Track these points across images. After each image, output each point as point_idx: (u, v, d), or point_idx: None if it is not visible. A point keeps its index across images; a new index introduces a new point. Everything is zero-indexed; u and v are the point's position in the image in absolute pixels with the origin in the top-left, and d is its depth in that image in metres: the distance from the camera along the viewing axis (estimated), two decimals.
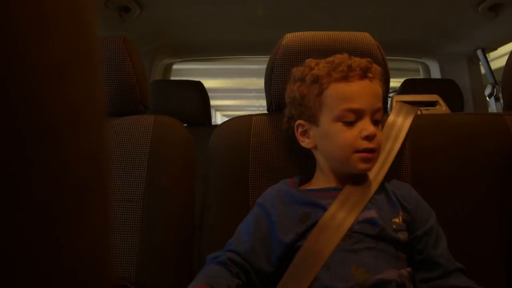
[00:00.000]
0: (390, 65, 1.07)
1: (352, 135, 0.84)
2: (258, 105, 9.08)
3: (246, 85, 6.23)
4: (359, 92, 0.84)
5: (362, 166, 0.85)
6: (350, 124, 0.84)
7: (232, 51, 2.40)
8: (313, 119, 0.89)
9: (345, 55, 0.89)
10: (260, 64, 3.82)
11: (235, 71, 4.80)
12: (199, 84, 2.18)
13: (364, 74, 0.85)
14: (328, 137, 0.87)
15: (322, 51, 0.98)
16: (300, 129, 0.93)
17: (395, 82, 2.83)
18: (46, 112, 0.18)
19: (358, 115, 0.84)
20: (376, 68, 0.88)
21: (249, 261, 0.83)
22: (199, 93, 2.15)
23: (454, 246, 0.87)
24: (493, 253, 0.96)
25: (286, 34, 1.04)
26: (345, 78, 0.84)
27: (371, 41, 1.03)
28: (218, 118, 8.06)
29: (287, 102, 0.95)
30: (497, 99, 2.28)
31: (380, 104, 0.87)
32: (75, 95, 0.20)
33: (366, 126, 0.84)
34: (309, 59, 0.92)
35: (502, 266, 0.93)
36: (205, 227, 1.00)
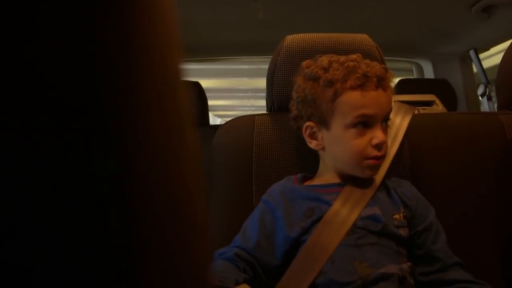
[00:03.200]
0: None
1: (363, 143, 0.85)
2: (249, 105, 9.07)
3: (238, 85, 6.23)
4: (373, 102, 0.84)
5: (368, 172, 0.88)
6: (362, 131, 0.85)
7: (228, 52, 2.42)
8: (324, 122, 0.88)
9: (359, 57, 0.89)
10: (252, 65, 3.84)
11: (227, 71, 4.79)
12: (197, 84, 2.19)
13: (379, 83, 0.85)
14: (339, 142, 0.88)
15: (323, 52, 0.99)
16: (308, 131, 0.92)
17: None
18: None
19: (371, 122, 0.85)
20: (390, 74, 0.89)
21: (255, 256, 0.85)
22: (197, 94, 2.16)
23: (453, 242, 0.89)
24: (489, 248, 0.98)
25: (287, 36, 1.06)
26: (361, 86, 0.84)
27: (370, 42, 1.05)
28: (211, 118, 8.04)
29: (295, 99, 0.94)
30: (489, 99, 2.32)
31: (390, 108, 0.88)
32: (184, 106, 0.22)
33: (377, 134, 0.85)
34: (321, 57, 0.91)
35: (498, 262, 0.96)
36: (211, 224, 1.02)
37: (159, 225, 0.20)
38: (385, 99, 0.86)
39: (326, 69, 0.87)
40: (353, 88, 0.83)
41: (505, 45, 2.10)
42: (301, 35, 1.06)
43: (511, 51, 1.13)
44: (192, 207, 0.22)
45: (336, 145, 0.89)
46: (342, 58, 0.88)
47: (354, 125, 0.84)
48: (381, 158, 0.87)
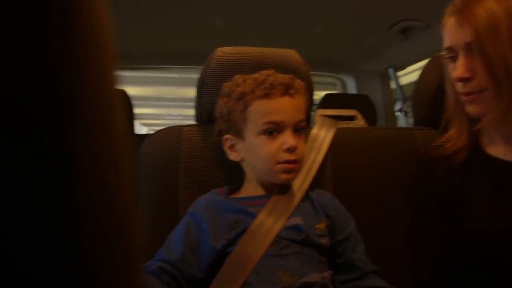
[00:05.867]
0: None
1: (274, 148, 0.88)
2: (177, 114, 8.97)
3: (165, 94, 6.15)
4: (280, 107, 0.89)
5: (284, 176, 0.90)
6: (272, 137, 0.89)
7: (158, 61, 2.38)
8: (239, 134, 0.92)
9: (271, 71, 0.94)
10: (181, 73, 3.80)
11: (154, 79, 4.71)
12: (122, 92, 2.13)
13: (285, 91, 0.90)
14: (253, 150, 0.91)
15: (252, 66, 1.01)
16: (228, 143, 0.96)
17: (314, 95, 2.94)
18: None
19: (279, 128, 0.89)
20: (298, 83, 0.93)
21: (179, 269, 0.84)
22: (123, 102, 2.10)
23: (370, 250, 0.94)
24: (402, 256, 1.04)
25: (218, 48, 1.06)
26: (267, 95, 0.88)
27: (298, 58, 1.08)
28: (136, 127, 7.85)
29: (216, 117, 0.98)
30: (406, 114, 2.48)
31: (302, 116, 0.92)
32: None
33: (287, 139, 0.88)
34: (238, 75, 0.95)
35: (410, 270, 1.02)
36: (136, 237, 0.99)
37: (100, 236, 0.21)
38: (292, 105, 0.90)
39: (239, 85, 0.92)
40: (260, 97, 0.88)
41: (420, 64, 2.26)
42: (231, 48, 1.07)
43: (427, 72, 1.21)
44: (129, 218, 0.24)
45: (251, 154, 0.92)
46: (257, 74, 0.93)
47: (263, 132, 0.88)
48: (295, 162, 0.89)
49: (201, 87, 1.05)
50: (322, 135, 1.10)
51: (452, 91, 0.96)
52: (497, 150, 0.93)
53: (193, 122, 1.13)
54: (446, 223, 0.93)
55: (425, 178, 0.98)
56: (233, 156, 0.96)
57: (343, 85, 2.73)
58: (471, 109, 0.90)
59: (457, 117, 0.98)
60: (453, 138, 0.98)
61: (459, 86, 0.90)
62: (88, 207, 0.21)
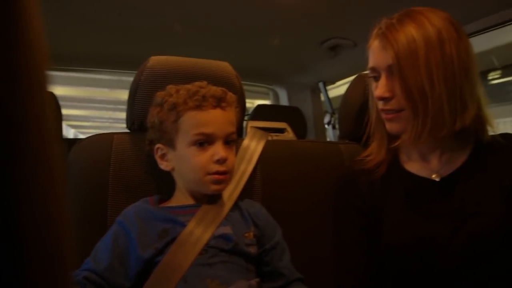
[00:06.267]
0: (244, 87, 1.16)
1: (205, 159, 0.90)
2: (107, 117, 8.69)
3: (96, 96, 5.94)
4: (211, 119, 0.91)
5: (214, 187, 0.92)
6: (203, 148, 0.90)
7: (89, 64, 2.31)
8: (170, 144, 0.93)
9: (204, 83, 0.95)
10: (112, 75, 3.69)
11: (83, 80, 4.54)
12: (50, 94, 2.04)
13: (217, 103, 0.92)
14: (184, 160, 0.92)
15: (186, 77, 1.03)
16: (159, 152, 0.96)
17: (248, 103, 2.98)
18: None
19: (210, 139, 0.91)
20: (230, 96, 0.96)
21: (106, 279, 0.83)
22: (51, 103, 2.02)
23: (296, 258, 0.98)
24: (325, 264, 1.08)
25: (152, 57, 1.06)
26: (199, 107, 0.90)
27: (230, 71, 1.11)
28: (64, 129, 7.51)
29: (148, 126, 0.98)
30: (334, 127, 2.58)
31: (232, 129, 0.94)
32: None
33: (217, 150, 0.90)
34: (171, 86, 0.96)
35: (332, 277, 1.07)
36: (67, 247, 0.95)
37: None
38: (223, 118, 0.92)
39: (171, 95, 0.93)
40: (192, 108, 0.90)
41: (349, 79, 2.37)
42: (165, 57, 1.06)
43: (352, 88, 1.27)
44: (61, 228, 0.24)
45: (182, 164, 0.93)
46: (190, 85, 0.94)
47: (194, 143, 0.90)
48: (225, 173, 0.91)
49: (134, 95, 1.04)
50: (253, 146, 1.13)
51: (375, 108, 1.02)
52: (413, 166, 1.01)
53: (125, 125, 1.12)
54: (368, 235, 0.99)
55: (348, 190, 1.04)
56: (164, 165, 0.96)
57: (276, 95, 2.80)
58: (390, 126, 0.96)
59: (378, 132, 1.04)
60: (373, 153, 1.05)
61: (380, 103, 0.95)
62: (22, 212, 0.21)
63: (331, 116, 2.59)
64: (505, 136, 0.97)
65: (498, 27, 1.55)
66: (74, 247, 0.27)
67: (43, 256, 0.23)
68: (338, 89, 2.73)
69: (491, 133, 0.97)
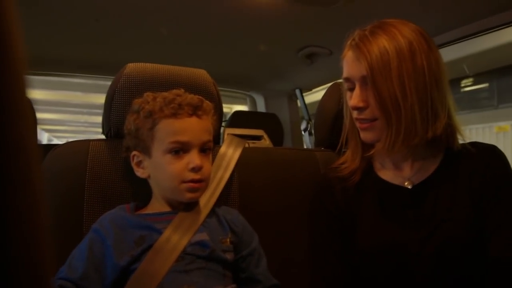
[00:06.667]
0: (222, 92, 1.16)
1: (180, 167, 0.90)
2: (83, 121, 8.58)
3: (70, 99, 5.86)
4: (187, 127, 0.91)
5: (189, 195, 0.92)
6: (178, 156, 0.90)
7: (65, 68, 2.28)
8: (146, 151, 0.93)
9: (181, 91, 0.96)
10: (88, 79, 3.64)
11: (58, 84, 4.48)
12: (29, 99, 2.01)
13: (193, 111, 0.92)
14: (159, 168, 0.92)
15: (162, 84, 1.03)
16: (135, 160, 0.96)
17: (225, 108, 2.98)
18: None
19: (186, 147, 0.91)
20: (207, 105, 0.96)
21: (81, 287, 0.83)
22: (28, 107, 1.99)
23: (274, 262, 1.00)
24: (301, 269, 1.10)
25: (128, 64, 1.06)
26: (174, 115, 0.90)
27: (207, 78, 1.11)
28: (38, 133, 7.37)
29: (125, 133, 0.98)
30: (310, 134, 2.61)
31: (208, 137, 0.95)
32: None
33: (193, 159, 0.90)
34: (148, 93, 0.96)
35: (309, 273, 1.08)
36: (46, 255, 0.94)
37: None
38: (199, 126, 0.93)
39: (148, 102, 0.93)
40: (168, 116, 0.90)
41: (325, 86, 2.40)
42: (142, 64, 1.06)
43: (327, 96, 1.29)
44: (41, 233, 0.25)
45: (157, 171, 0.93)
46: (167, 93, 0.95)
47: (170, 150, 0.90)
48: (200, 181, 0.92)
49: (110, 102, 1.04)
50: (230, 153, 1.14)
51: (349, 117, 1.04)
52: (386, 174, 1.03)
53: (101, 129, 1.11)
54: (343, 241, 1.00)
55: (324, 197, 1.05)
56: (140, 172, 0.96)
57: (253, 102, 2.81)
58: (364, 135, 0.98)
59: (352, 140, 1.06)
60: (348, 160, 1.07)
61: (355, 113, 0.97)
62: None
63: (308, 123, 2.62)
64: (474, 144, 1.00)
65: (468, 38, 1.59)
66: (54, 255, 0.27)
67: (26, 264, 0.24)
68: (315, 94, 2.77)
69: (461, 141, 1.00)
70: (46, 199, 0.95)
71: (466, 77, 6.61)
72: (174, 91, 0.96)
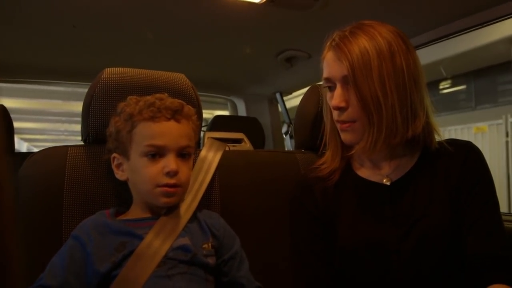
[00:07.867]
0: (202, 98, 1.16)
1: (155, 171, 0.90)
2: (63, 130, 8.48)
3: (49, 108, 5.79)
4: (164, 131, 0.91)
5: (164, 200, 0.91)
6: (154, 160, 0.90)
7: (42, 76, 2.25)
8: (125, 154, 0.93)
9: (164, 95, 0.96)
10: (67, 87, 3.61)
11: (36, 92, 4.42)
12: (1, 106, 1.98)
13: (172, 115, 0.92)
14: (136, 171, 0.92)
15: (141, 89, 1.03)
16: (115, 162, 0.96)
17: (206, 114, 3.00)
18: None
19: (162, 151, 0.90)
20: (188, 110, 0.96)
21: None
22: (1, 116, 1.96)
23: (256, 264, 1.00)
24: (283, 271, 1.11)
25: (106, 69, 1.05)
26: (152, 118, 0.90)
27: (186, 82, 1.11)
28: (16, 143, 7.26)
29: (107, 135, 0.98)
30: (291, 137, 2.62)
31: (186, 142, 0.94)
32: None
33: (168, 163, 0.90)
34: (131, 96, 0.96)
35: (291, 275, 1.09)
36: (14, 262, 0.93)
37: None
38: (177, 131, 0.93)
39: (130, 105, 0.93)
40: (146, 119, 0.91)
41: (305, 90, 2.42)
42: (120, 69, 1.06)
43: (306, 99, 1.31)
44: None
45: (134, 174, 0.93)
46: (150, 97, 0.95)
47: (146, 154, 0.90)
48: (175, 186, 0.91)
49: (88, 107, 1.03)
50: (210, 157, 1.14)
51: (329, 118, 1.05)
52: (365, 172, 1.04)
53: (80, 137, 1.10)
54: (324, 241, 1.01)
55: (304, 197, 1.06)
56: (119, 175, 0.96)
57: (234, 106, 2.82)
58: (344, 137, 0.99)
59: (332, 141, 1.07)
60: (328, 161, 1.08)
61: (335, 114, 0.98)
62: None
63: (289, 126, 2.63)
64: (450, 141, 1.01)
65: (444, 39, 1.63)
66: (23, 261, 0.27)
67: None
68: (297, 99, 2.78)
69: (438, 139, 1.02)
70: (19, 205, 0.94)
71: (444, 79, 6.73)
72: (158, 95, 0.96)
